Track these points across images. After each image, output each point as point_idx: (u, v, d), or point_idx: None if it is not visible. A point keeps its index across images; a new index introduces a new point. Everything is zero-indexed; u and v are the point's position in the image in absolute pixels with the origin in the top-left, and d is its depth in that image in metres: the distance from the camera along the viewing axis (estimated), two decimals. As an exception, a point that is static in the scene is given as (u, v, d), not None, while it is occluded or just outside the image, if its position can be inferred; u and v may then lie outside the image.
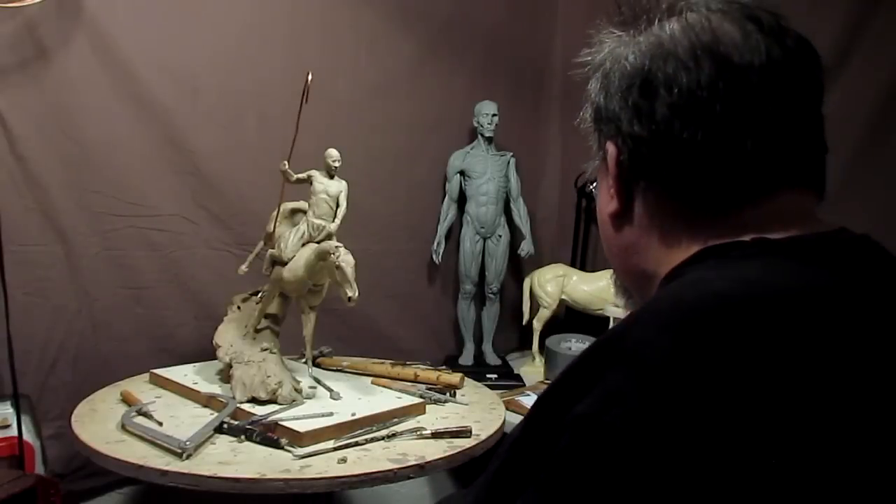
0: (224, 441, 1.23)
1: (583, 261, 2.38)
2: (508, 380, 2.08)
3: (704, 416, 0.41)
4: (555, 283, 2.17)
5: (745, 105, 0.55)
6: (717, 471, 0.40)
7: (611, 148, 0.61)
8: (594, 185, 0.70)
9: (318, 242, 1.49)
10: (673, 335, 0.44)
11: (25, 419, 1.59)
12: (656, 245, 0.60)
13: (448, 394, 1.53)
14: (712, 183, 0.56)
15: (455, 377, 1.60)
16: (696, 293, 0.48)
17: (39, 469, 1.60)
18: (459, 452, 1.24)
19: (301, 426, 1.24)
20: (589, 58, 0.64)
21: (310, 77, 1.39)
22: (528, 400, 1.80)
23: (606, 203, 0.63)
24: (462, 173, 2.20)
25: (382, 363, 1.69)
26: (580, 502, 0.42)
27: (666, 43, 0.57)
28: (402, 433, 1.29)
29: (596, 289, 2.10)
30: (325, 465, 1.16)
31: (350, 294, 1.33)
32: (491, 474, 0.54)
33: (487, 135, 2.17)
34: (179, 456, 1.14)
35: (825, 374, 0.43)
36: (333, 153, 1.53)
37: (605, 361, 0.46)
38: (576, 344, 2.07)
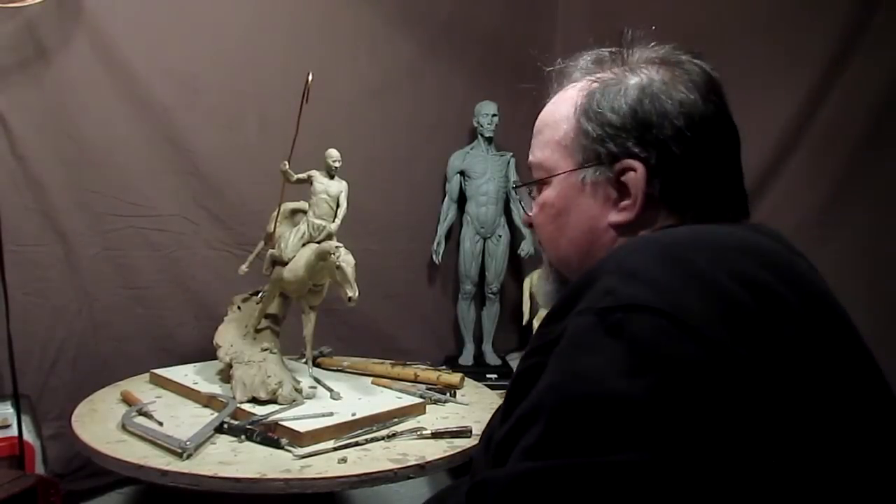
0: (224, 441, 1.23)
1: (583, 261, 2.38)
2: (508, 380, 2.08)
3: (682, 301, 0.52)
4: (555, 283, 2.17)
5: (732, 146, 0.71)
6: (695, 345, 0.50)
7: (638, 166, 0.68)
8: (516, 188, 0.80)
9: (318, 242, 1.49)
10: (647, 253, 0.58)
11: (25, 419, 1.59)
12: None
13: (448, 394, 1.52)
14: (715, 202, 0.70)
15: (455, 377, 1.60)
16: (658, 236, 0.63)
17: (39, 469, 1.60)
18: (459, 452, 1.24)
19: (301, 426, 1.24)
20: (593, 81, 0.73)
21: (310, 77, 1.39)
22: (528, 400, 1.80)
23: (603, 213, 0.71)
24: (462, 173, 2.20)
25: (382, 363, 1.69)
26: (588, 377, 0.51)
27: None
28: (402, 433, 1.29)
29: (596, 289, 2.10)
30: (325, 465, 1.15)
31: (350, 294, 1.33)
32: (507, 391, 0.64)
33: (487, 135, 2.17)
34: (180, 456, 1.14)
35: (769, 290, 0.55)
36: (334, 153, 1.53)
37: (593, 279, 0.57)
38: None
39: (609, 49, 0.75)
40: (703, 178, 0.68)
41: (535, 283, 2.20)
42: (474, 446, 1.27)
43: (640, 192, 0.68)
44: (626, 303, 0.52)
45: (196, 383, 1.48)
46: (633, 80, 0.71)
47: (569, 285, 0.61)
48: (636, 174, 0.68)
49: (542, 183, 0.77)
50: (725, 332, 0.51)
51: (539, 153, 0.77)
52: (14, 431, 1.55)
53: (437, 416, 1.41)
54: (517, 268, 2.36)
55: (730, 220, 0.70)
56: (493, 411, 1.46)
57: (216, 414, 1.31)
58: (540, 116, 0.80)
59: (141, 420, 1.29)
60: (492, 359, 2.22)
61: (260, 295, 1.63)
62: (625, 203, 0.69)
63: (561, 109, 0.76)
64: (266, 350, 1.49)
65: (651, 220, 0.69)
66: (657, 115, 0.68)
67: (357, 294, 1.33)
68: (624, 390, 0.49)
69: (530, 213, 0.82)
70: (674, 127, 0.68)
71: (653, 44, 0.74)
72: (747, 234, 0.64)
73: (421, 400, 1.47)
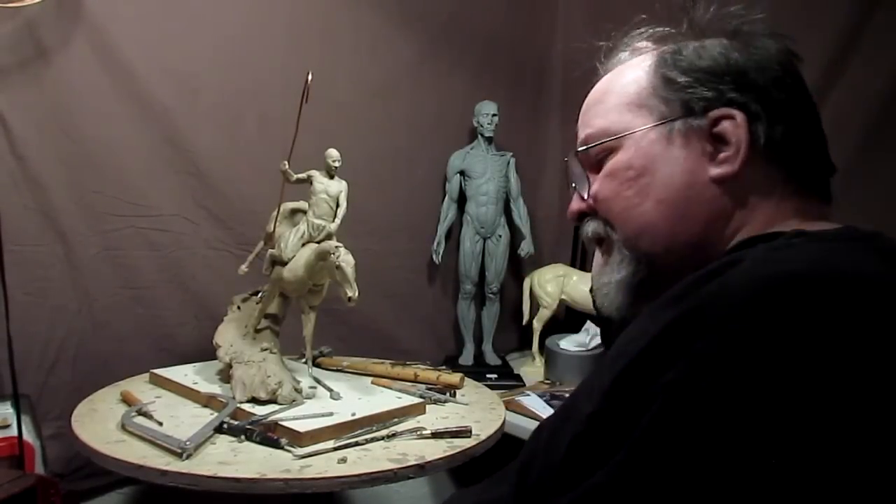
0: (224, 441, 1.23)
1: (583, 261, 2.38)
2: (508, 380, 2.08)
3: (798, 385, 0.42)
4: (555, 283, 2.17)
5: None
6: (810, 442, 0.41)
7: (737, 113, 0.62)
8: (581, 151, 0.70)
9: (318, 242, 1.49)
10: (757, 309, 0.46)
11: (25, 419, 1.58)
12: (741, 212, 0.63)
13: (448, 394, 1.53)
14: (816, 161, 0.65)
15: (455, 377, 1.60)
16: (771, 271, 0.50)
17: (39, 469, 1.60)
18: (459, 452, 1.24)
19: (301, 426, 1.24)
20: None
21: (310, 77, 1.39)
22: (529, 400, 1.80)
23: (700, 166, 0.63)
24: (462, 173, 2.20)
25: (382, 363, 1.69)
26: (675, 466, 0.44)
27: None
28: (402, 433, 1.29)
29: (596, 289, 2.10)
30: (325, 465, 1.15)
31: (350, 294, 1.33)
32: (562, 452, 0.54)
33: (487, 135, 2.17)
34: (179, 456, 1.14)
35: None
36: (333, 153, 1.53)
37: (691, 333, 0.47)
38: (574, 345, 2.07)
39: (668, 28, 0.69)
40: (804, 132, 0.63)
41: (536, 283, 2.21)
42: (474, 446, 1.28)
43: (743, 141, 0.61)
44: (725, 398, 0.43)
45: (196, 383, 1.49)
46: (712, 42, 0.65)
47: (673, 313, 0.50)
48: (735, 122, 0.62)
49: (609, 151, 0.67)
50: (883, 415, 0.42)
51: (601, 121, 0.68)
52: (14, 431, 1.55)
53: (437, 416, 1.41)
54: (517, 268, 2.36)
55: (825, 199, 0.65)
56: (492, 411, 1.46)
57: (216, 414, 1.31)
58: (595, 91, 0.72)
59: (141, 420, 1.29)
60: (492, 359, 2.22)
61: (260, 295, 1.63)
62: (724, 154, 0.62)
63: (627, 74, 0.68)
64: (266, 350, 1.50)
65: (756, 179, 0.62)
66: (753, 61, 0.63)
67: (357, 294, 1.33)
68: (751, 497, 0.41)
69: (586, 196, 0.70)
70: (772, 71, 0.62)
71: (715, 8, 0.67)
72: (886, 265, 0.53)
73: (421, 400, 1.47)
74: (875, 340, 0.44)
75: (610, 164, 0.67)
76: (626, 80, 0.67)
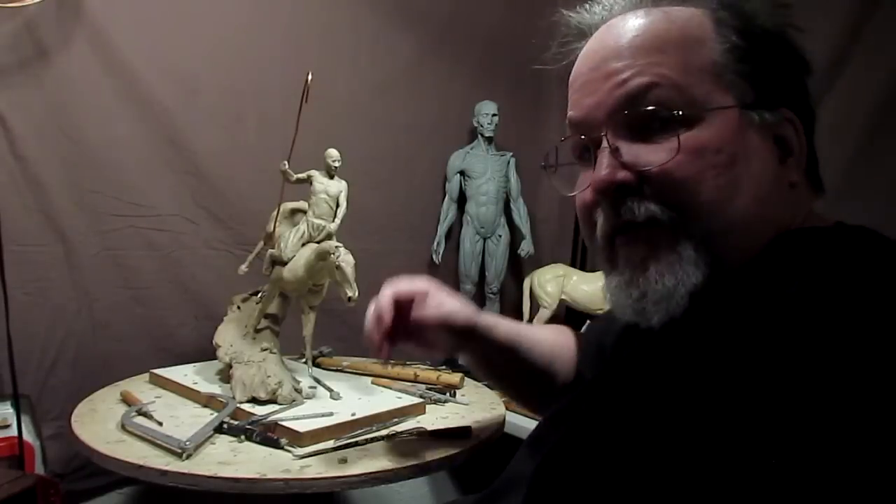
0: (224, 441, 1.23)
1: (583, 261, 2.38)
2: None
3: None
4: (555, 283, 2.17)
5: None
6: None
7: (795, 119, 0.58)
8: (678, 113, 0.56)
9: (318, 242, 1.49)
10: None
11: (25, 419, 1.59)
12: (793, 218, 0.61)
13: (448, 394, 1.52)
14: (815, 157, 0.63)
15: (455, 377, 1.60)
16: (877, 275, 0.49)
17: (39, 469, 1.60)
18: (459, 452, 1.24)
19: (301, 426, 1.24)
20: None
21: (310, 77, 1.39)
22: (528, 400, 1.80)
23: (778, 168, 0.58)
24: (462, 173, 2.20)
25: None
26: None
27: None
28: (402, 433, 1.29)
29: (596, 289, 2.10)
30: (325, 465, 1.15)
31: (350, 294, 1.33)
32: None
33: (487, 135, 2.17)
34: (179, 456, 1.14)
35: None
36: (333, 153, 1.53)
37: (831, 364, 0.45)
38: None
39: None
40: (811, 131, 0.61)
41: (536, 283, 2.20)
42: (474, 446, 1.27)
43: (804, 150, 0.58)
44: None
45: (196, 383, 1.48)
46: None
47: (783, 343, 0.47)
48: (797, 129, 0.58)
49: (680, 121, 0.54)
50: None
51: (671, 74, 0.54)
52: (14, 431, 1.55)
53: (437, 416, 1.41)
54: (517, 268, 2.36)
55: (821, 191, 0.65)
56: (492, 411, 1.46)
57: (216, 414, 1.31)
58: (638, 28, 0.57)
59: (140, 420, 1.29)
60: (492, 359, 2.21)
61: (260, 295, 1.63)
62: (791, 160, 0.58)
63: (683, 27, 0.56)
64: (266, 350, 1.49)
65: (803, 191, 0.61)
66: (797, 54, 0.58)
67: (357, 294, 1.34)
68: None
69: (652, 168, 0.55)
70: (804, 66, 0.59)
71: None
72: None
73: (421, 400, 1.46)
74: None
75: (689, 138, 0.54)
76: (687, 33, 0.55)
